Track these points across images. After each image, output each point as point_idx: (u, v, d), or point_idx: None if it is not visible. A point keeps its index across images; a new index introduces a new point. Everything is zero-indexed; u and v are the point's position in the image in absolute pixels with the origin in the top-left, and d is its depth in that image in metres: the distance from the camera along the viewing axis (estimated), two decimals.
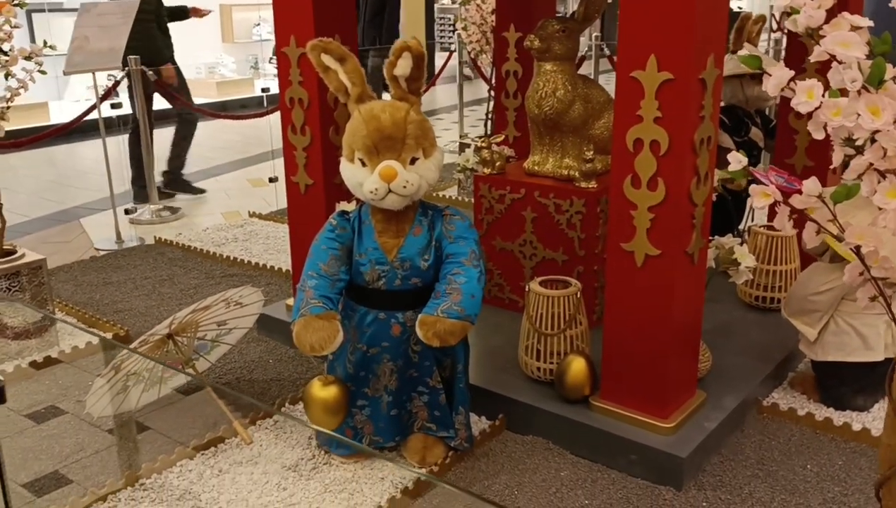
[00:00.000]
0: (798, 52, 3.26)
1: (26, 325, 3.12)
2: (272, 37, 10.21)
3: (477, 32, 5.19)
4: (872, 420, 2.59)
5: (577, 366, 2.49)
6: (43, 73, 3.07)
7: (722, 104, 4.17)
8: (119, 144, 5.22)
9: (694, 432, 2.37)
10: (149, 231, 4.93)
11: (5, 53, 2.94)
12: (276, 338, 3.28)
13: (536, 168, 3.16)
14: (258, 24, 12.00)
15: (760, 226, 3.23)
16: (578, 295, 2.59)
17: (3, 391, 1.23)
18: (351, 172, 2.20)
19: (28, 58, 3.00)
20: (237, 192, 6.01)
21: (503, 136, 3.24)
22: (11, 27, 2.98)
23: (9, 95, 3.04)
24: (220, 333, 2.79)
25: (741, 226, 3.70)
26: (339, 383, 2.26)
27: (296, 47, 2.94)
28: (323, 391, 2.23)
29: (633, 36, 2.15)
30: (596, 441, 2.41)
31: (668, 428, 2.35)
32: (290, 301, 3.30)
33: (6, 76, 2.99)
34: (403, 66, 2.15)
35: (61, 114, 8.43)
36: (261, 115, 5.83)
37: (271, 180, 5.35)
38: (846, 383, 2.63)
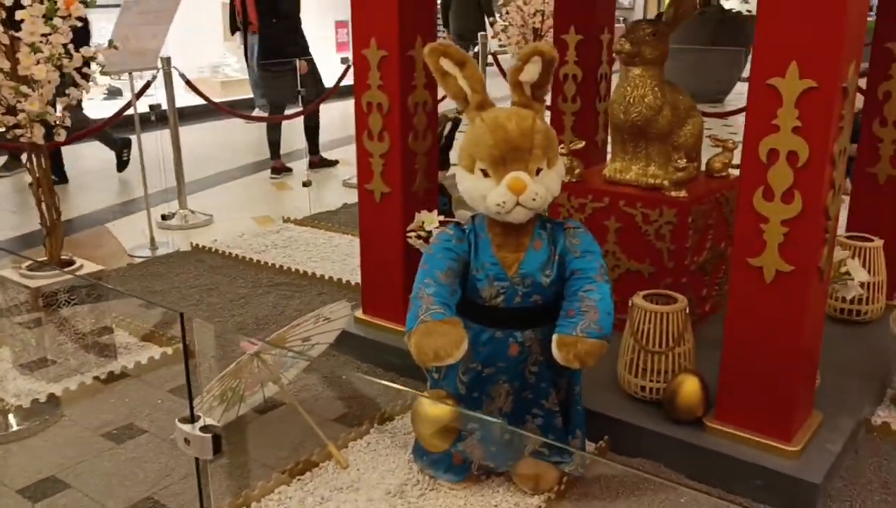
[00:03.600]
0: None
1: (88, 339, 2.96)
2: None
3: (517, 34, 5.08)
4: None
5: (690, 386, 2.38)
6: (105, 73, 2.91)
7: None
8: (155, 141, 4.99)
9: (820, 455, 2.26)
10: (180, 236, 4.77)
11: (70, 55, 2.76)
12: (345, 353, 3.14)
13: (618, 176, 3.05)
14: None
15: (846, 237, 3.14)
16: (686, 311, 2.48)
17: (220, 440, 1.10)
18: (472, 184, 2.07)
19: (91, 59, 2.84)
20: (262, 196, 5.85)
21: (582, 143, 3.12)
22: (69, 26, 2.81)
23: (70, 99, 2.87)
24: (304, 349, 2.65)
25: None
26: (452, 399, 2.13)
27: (377, 49, 2.81)
28: (435, 408, 2.10)
29: (772, 41, 2.04)
30: (714, 465, 2.30)
31: (794, 452, 2.24)
32: (359, 312, 3.17)
33: (67, 80, 2.82)
34: (531, 72, 2.04)
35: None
36: (292, 117, 5.69)
37: (305, 184, 5.20)
38: None
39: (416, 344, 1.98)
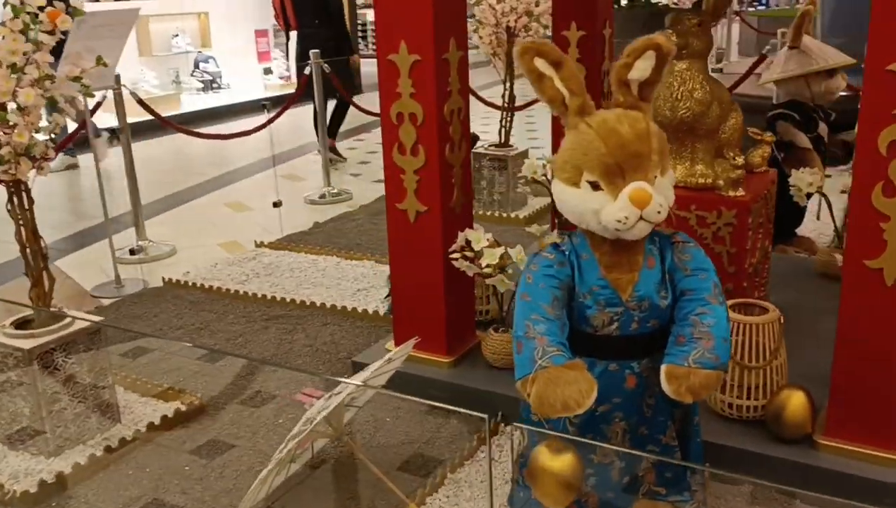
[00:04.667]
0: None
1: (90, 402, 2.57)
2: (192, 48, 9.92)
3: (491, 34, 4.85)
4: None
5: (798, 401, 2.20)
6: (90, 95, 2.53)
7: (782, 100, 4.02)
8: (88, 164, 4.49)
9: None
10: (144, 271, 4.33)
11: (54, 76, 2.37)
12: (382, 390, 2.83)
13: None
14: (176, 36, 11.23)
15: None
16: (781, 321, 2.30)
17: None
18: (579, 199, 1.81)
19: (77, 79, 2.45)
20: (220, 219, 5.42)
21: None
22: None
23: (52, 126, 2.48)
24: (355, 396, 2.35)
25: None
26: (571, 448, 1.87)
27: (407, 54, 2.53)
28: (555, 460, 1.83)
29: (888, 24, 1.88)
30: (835, 485, 2.12)
31: None
32: (391, 345, 2.88)
33: (51, 104, 2.42)
34: (643, 69, 1.81)
35: None
36: (250, 133, 5.31)
37: (276, 204, 4.82)
38: None
39: (540, 394, 1.71)
